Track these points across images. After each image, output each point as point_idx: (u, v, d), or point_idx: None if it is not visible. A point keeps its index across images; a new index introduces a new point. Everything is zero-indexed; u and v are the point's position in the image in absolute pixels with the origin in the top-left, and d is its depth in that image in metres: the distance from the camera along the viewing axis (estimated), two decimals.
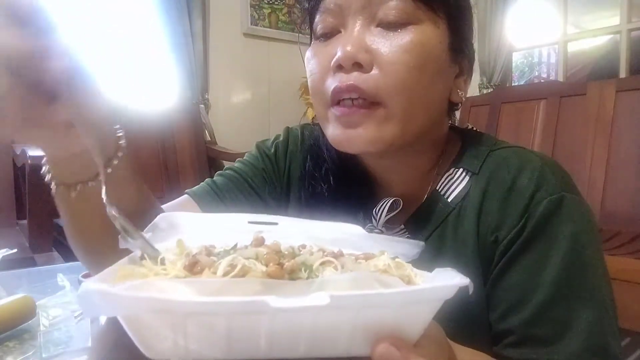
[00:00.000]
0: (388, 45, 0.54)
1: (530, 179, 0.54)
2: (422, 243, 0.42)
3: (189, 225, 0.45)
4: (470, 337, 0.49)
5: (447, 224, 0.59)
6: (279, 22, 3.50)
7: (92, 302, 0.25)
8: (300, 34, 0.68)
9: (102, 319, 0.64)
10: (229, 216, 0.48)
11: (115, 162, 0.44)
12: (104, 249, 0.41)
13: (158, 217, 0.45)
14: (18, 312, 0.76)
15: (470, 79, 0.64)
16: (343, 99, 0.55)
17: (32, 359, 0.66)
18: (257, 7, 3.39)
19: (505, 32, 3.26)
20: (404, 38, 0.54)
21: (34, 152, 2.13)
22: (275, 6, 3.48)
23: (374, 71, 0.54)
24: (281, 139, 0.74)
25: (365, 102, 0.54)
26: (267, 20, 3.45)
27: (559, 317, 0.51)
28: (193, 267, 0.29)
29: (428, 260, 0.58)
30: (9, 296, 0.80)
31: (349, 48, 0.54)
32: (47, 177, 0.45)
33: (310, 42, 0.63)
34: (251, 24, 3.35)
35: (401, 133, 0.55)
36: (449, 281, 0.30)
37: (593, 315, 0.50)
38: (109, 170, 0.43)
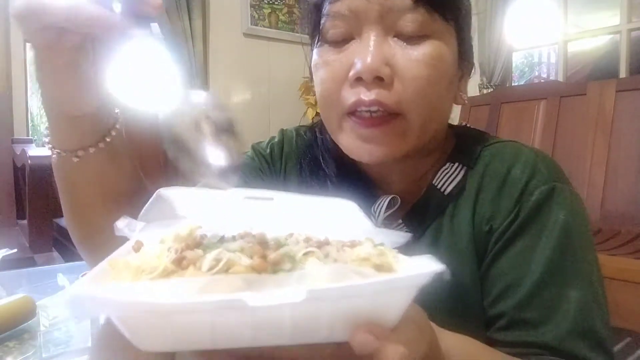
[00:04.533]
0: (408, 59, 0.54)
1: (523, 170, 0.56)
2: (408, 234, 0.44)
3: (186, 202, 0.46)
4: (467, 325, 0.49)
5: (443, 217, 0.61)
6: (279, 22, 3.49)
7: (81, 305, 0.27)
8: (301, 34, 0.68)
9: (102, 320, 0.64)
10: (225, 192, 0.49)
11: (114, 132, 0.48)
12: (102, 224, 0.44)
13: (156, 193, 0.46)
14: (18, 312, 0.76)
15: (467, 77, 0.64)
16: (362, 110, 0.54)
17: (32, 359, 0.66)
18: (257, 7, 3.39)
19: (505, 32, 3.26)
20: (424, 52, 0.54)
21: (34, 152, 2.13)
22: (275, 6, 3.48)
23: (395, 85, 0.53)
24: (276, 140, 0.74)
25: (384, 115, 0.54)
26: (267, 20, 3.45)
27: (549, 300, 0.53)
28: (180, 262, 0.31)
29: (425, 251, 0.59)
30: (9, 296, 0.80)
31: (369, 60, 0.52)
32: (48, 147, 0.48)
33: (314, 42, 0.61)
34: (251, 24, 3.35)
35: (417, 143, 0.57)
36: (422, 269, 0.31)
37: (582, 297, 0.52)
38: (108, 139, 0.47)
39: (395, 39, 0.54)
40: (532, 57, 5.02)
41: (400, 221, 0.63)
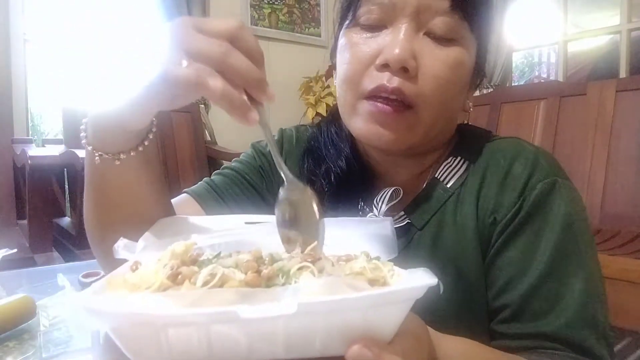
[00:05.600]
0: (434, 58, 0.57)
1: (525, 165, 0.58)
2: (390, 219, 0.45)
3: (188, 229, 0.47)
4: (470, 317, 0.49)
5: (446, 209, 0.62)
6: (279, 22, 3.49)
7: (81, 317, 0.27)
8: (301, 34, 0.69)
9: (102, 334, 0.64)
10: (226, 218, 0.51)
11: (151, 136, 0.50)
12: (124, 228, 0.45)
13: (158, 221, 0.49)
14: (18, 312, 0.76)
15: (475, 90, 0.68)
16: (380, 96, 0.57)
17: (32, 359, 0.66)
18: (257, 7, 3.39)
19: (505, 32, 3.26)
20: (449, 55, 0.57)
21: (34, 152, 2.13)
22: (275, 6, 3.48)
23: (417, 79, 0.56)
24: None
25: (400, 104, 0.56)
26: (267, 20, 3.45)
27: (552, 290, 0.54)
28: (176, 278, 0.31)
29: (428, 244, 0.62)
30: (9, 296, 0.80)
31: (398, 51, 0.55)
32: (89, 149, 0.49)
33: (342, 24, 0.63)
34: (251, 24, 3.35)
35: (423, 138, 0.60)
36: (416, 282, 0.31)
37: (584, 288, 0.53)
38: (146, 142, 0.49)
39: (425, 36, 0.57)
40: (532, 57, 5.02)
41: (402, 213, 0.64)
